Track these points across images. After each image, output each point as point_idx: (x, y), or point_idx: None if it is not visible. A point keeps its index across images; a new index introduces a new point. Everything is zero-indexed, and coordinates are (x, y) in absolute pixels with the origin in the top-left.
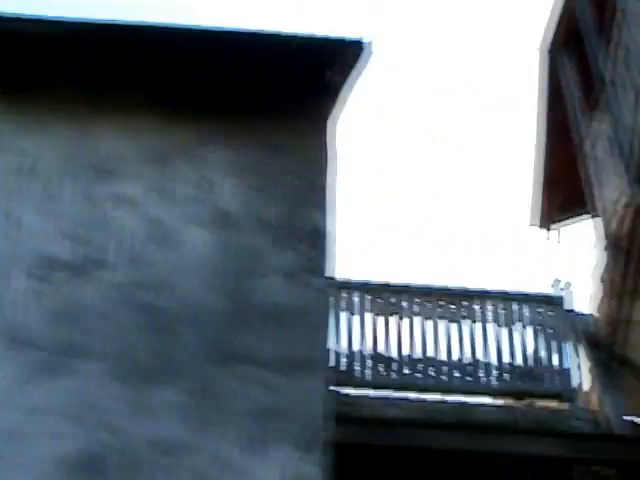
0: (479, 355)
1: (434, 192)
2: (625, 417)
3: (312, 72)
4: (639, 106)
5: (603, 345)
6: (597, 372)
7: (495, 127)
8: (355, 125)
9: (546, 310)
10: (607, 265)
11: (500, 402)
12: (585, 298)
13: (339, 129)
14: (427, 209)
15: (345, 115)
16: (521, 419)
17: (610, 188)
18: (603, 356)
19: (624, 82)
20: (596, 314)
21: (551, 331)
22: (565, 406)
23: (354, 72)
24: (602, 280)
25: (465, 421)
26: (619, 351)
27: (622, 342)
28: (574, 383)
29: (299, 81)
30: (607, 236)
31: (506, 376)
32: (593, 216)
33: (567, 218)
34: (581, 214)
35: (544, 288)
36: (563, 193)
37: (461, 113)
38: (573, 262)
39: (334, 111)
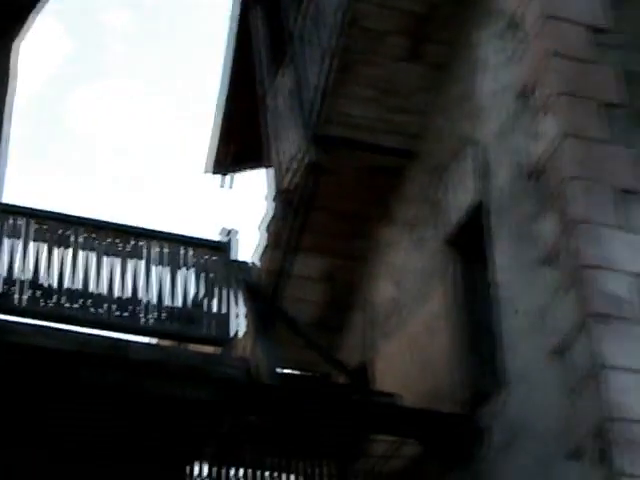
0: (140, 294)
1: (115, 129)
2: (277, 368)
3: None
4: (324, 65)
5: (262, 296)
6: (254, 322)
7: (187, 73)
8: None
9: (211, 256)
10: (273, 217)
11: (155, 342)
12: (252, 248)
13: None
14: (107, 145)
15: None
16: (174, 361)
17: (287, 142)
18: (261, 306)
19: (311, 39)
20: (259, 264)
21: (213, 277)
22: (220, 352)
23: None
24: (267, 231)
25: (116, 357)
26: (277, 303)
27: (280, 294)
28: (231, 331)
29: None
30: (277, 189)
31: (164, 317)
32: (268, 168)
33: (244, 168)
34: (259, 165)
35: (214, 235)
36: (242, 143)
37: (152, 51)
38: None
39: (21, 32)
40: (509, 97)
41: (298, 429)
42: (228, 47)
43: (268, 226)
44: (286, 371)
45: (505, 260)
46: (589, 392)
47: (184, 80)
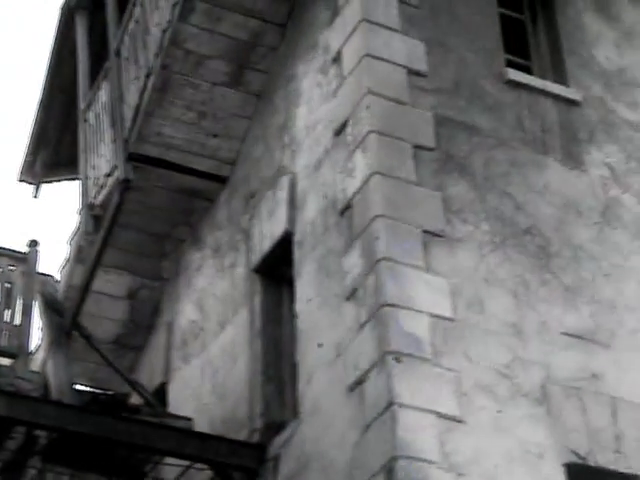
0: None
1: None
2: (72, 384)
3: None
4: (142, 83)
5: (59, 309)
6: (49, 336)
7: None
8: None
9: (14, 266)
10: (79, 231)
11: None
12: (58, 260)
13: None
14: None
15: None
16: None
17: (100, 157)
18: (58, 320)
19: (131, 56)
20: (61, 277)
21: (11, 287)
22: (14, 364)
23: None
24: (71, 245)
25: None
26: (76, 318)
27: (81, 310)
28: (28, 343)
29: None
30: (85, 203)
31: None
32: (80, 180)
33: (58, 179)
34: (72, 177)
35: (21, 245)
36: (58, 153)
37: None
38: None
39: None
40: (325, 131)
41: (90, 447)
42: (53, 55)
43: (72, 240)
44: (84, 388)
45: (310, 292)
46: (381, 429)
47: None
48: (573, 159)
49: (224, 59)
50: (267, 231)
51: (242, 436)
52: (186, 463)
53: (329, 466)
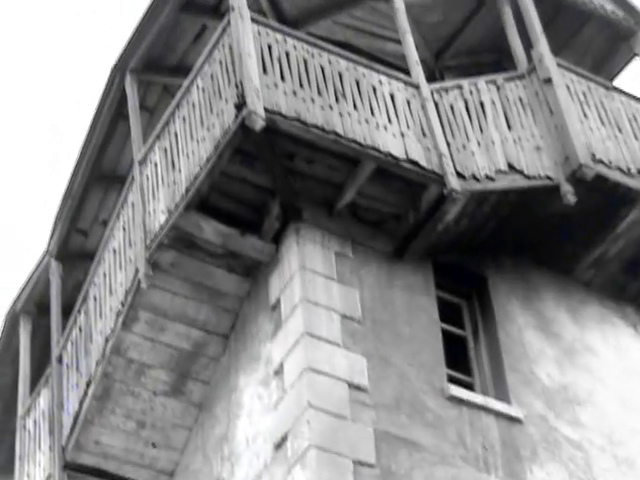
0: None
1: None
2: None
3: None
4: (82, 391)
5: None
6: None
7: None
8: None
9: None
10: None
11: None
12: None
13: None
14: None
15: None
16: None
17: (35, 464)
18: None
19: (71, 363)
20: None
21: None
22: None
23: None
24: None
25: None
26: None
27: None
28: None
29: None
30: None
31: None
32: None
33: None
34: None
35: None
36: None
37: None
38: None
39: None
40: (265, 445)
41: None
42: None
43: None
44: None
45: None
46: None
47: None
48: (515, 477)
49: (166, 368)
50: None
51: None
52: None
53: None
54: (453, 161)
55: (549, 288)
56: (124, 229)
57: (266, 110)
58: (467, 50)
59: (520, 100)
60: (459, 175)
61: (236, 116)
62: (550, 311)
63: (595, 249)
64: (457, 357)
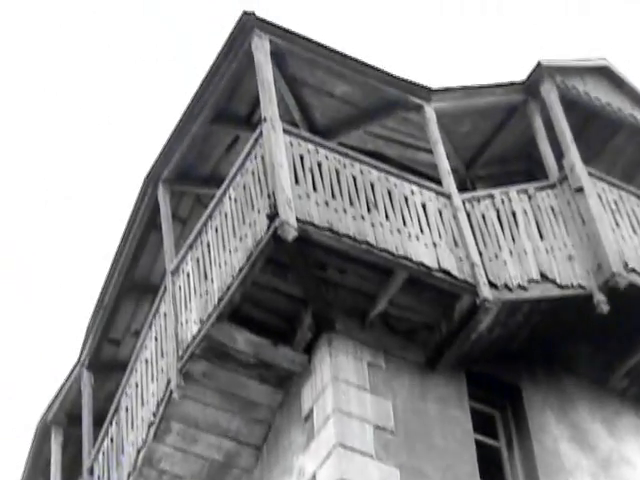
0: None
1: None
2: None
3: None
4: None
5: None
6: None
7: None
8: None
9: None
10: None
11: None
12: None
13: None
14: None
15: None
16: None
17: None
18: None
19: (102, 474)
20: None
21: None
22: None
23: None
24: None
25: None
26: None
27: None
28: None
29: None
30: None
31: None
32: None
33: None
34: None
35: None
36: None
37: None
38: None
39: None
40: None
41: None
42: (25, 464)
43: None
44: None
45: None
46: None
47: None
48: None
49: (197, 478)
50: None
51: None
52: None
53: None
54: (485, 271)
55: (583, 398)
56: (156, 339)
57: (298, 220)
58: (498, 159)
59: (552, 209)
60: (491, 285)
61: (268, 226)
62: (585, 422)
63: (629, 359)
64: (491, 469)
